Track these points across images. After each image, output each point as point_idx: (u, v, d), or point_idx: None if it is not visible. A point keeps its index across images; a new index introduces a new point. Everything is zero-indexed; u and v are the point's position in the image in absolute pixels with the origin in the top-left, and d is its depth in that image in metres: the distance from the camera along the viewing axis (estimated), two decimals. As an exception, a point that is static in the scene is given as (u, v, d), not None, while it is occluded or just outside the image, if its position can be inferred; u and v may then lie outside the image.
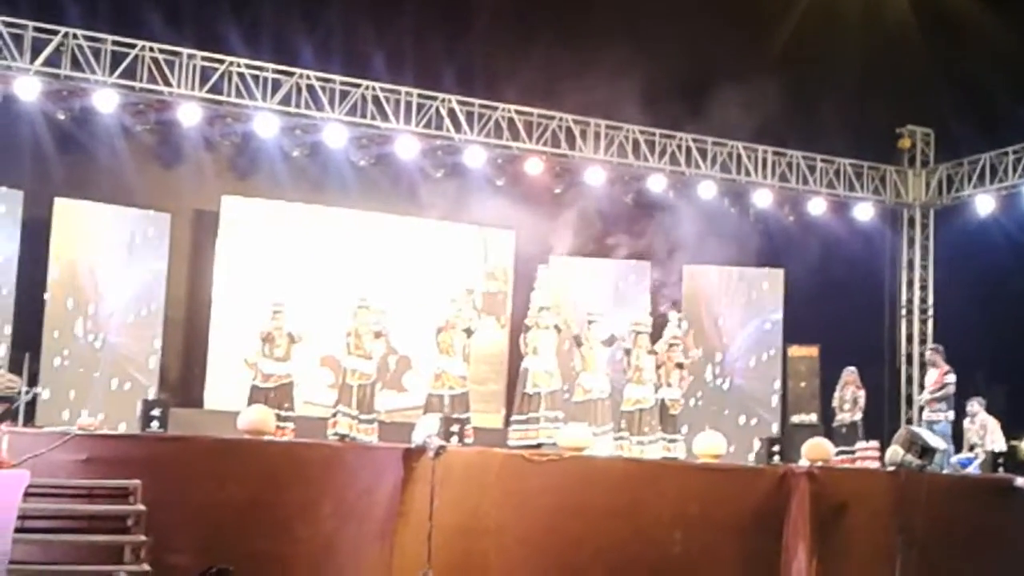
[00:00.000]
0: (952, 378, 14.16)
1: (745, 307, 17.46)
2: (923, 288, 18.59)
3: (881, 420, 16.54)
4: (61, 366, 14.32)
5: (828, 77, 16.24)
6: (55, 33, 14.22)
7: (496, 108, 16.23)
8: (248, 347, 13.69)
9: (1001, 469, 12.51)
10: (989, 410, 14.11)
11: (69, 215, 14.62)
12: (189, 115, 14.86)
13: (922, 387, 15.31)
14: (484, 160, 16.29)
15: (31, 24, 14.14)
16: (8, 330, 14.00)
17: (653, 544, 10.63)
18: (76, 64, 14.32)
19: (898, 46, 16.83)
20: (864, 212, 18.21)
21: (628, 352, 13.47)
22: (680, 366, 13.85)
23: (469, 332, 13.10)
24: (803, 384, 17.00)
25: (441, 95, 15.95)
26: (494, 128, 16.24)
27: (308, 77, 15.35)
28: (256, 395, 12.75)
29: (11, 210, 14.30)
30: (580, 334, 13.49)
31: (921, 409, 14.85)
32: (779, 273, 17.49)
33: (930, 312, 18.49)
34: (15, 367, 12.78)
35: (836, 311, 16.05)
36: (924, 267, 18.63)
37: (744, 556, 10.90)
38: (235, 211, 15.68)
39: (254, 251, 15.64)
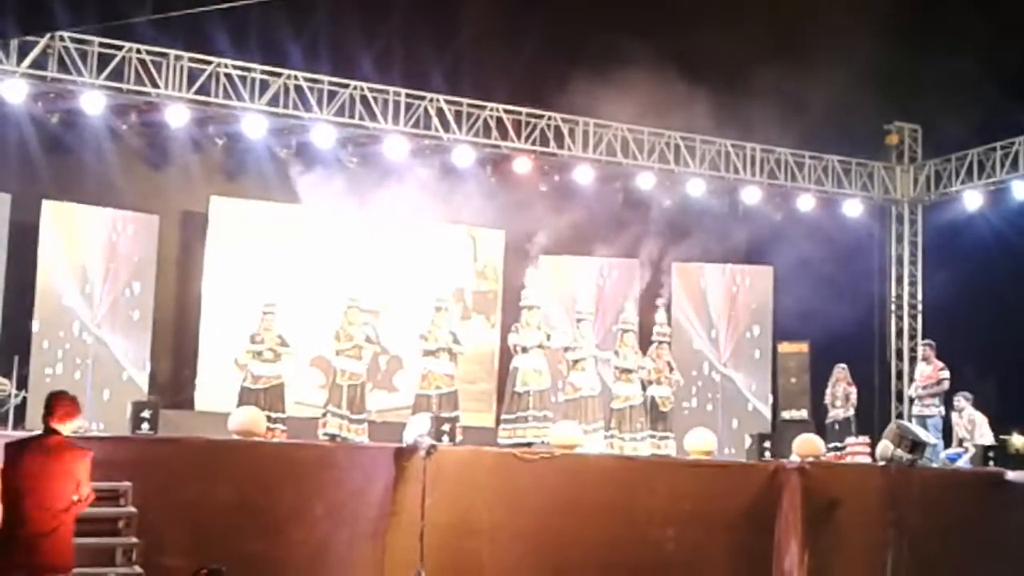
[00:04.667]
0: (947, 374, 14.22)
1: (734, 304, 17.49)
2: (912, 283, 18.61)
3: (871, 415, 16.54)
4: (50, 368, 14.26)
5: (816, 74, 16.22)
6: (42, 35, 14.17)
7: (484, 107, 16.21)
8: (238, 348, 13.66)
9: (991, 463, 12.57)
10: (977, 405, 14.14)
11: (57, 218, 14.58)
12: (177, 116, 14.81)
13: (911, 381, 15.34)
14: (473, 159, 16.27)
15: (17, 26, 14.09)
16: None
17: (646, 541, 10.65)
18: (63, 66, 14.24)
19: (886, 42, 16.84)
20: (853, 208, 18.23)
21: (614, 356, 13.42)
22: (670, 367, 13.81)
23: (454, 337, 13.07)
24: (793, 380, 17.02)
25: (429, 95, 15.93)
26: (482, 127, 16.22)
27: (296, 78, 15.31)
28: (246, 397, 12.71)
29: (-1, 213, 14.28)
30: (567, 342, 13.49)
31: (911, 403, 14.88)
32: (768, 270, 17.52)
33: (919, 307, 18.52)
34: (4, 370, 12.77)
35: (825, 307, 16.03)
36: (913, 263, 18.65)
37: (736, 552, 10.94)
38: (224, 212, 15.65)
39: (243, 252, 15.59)
